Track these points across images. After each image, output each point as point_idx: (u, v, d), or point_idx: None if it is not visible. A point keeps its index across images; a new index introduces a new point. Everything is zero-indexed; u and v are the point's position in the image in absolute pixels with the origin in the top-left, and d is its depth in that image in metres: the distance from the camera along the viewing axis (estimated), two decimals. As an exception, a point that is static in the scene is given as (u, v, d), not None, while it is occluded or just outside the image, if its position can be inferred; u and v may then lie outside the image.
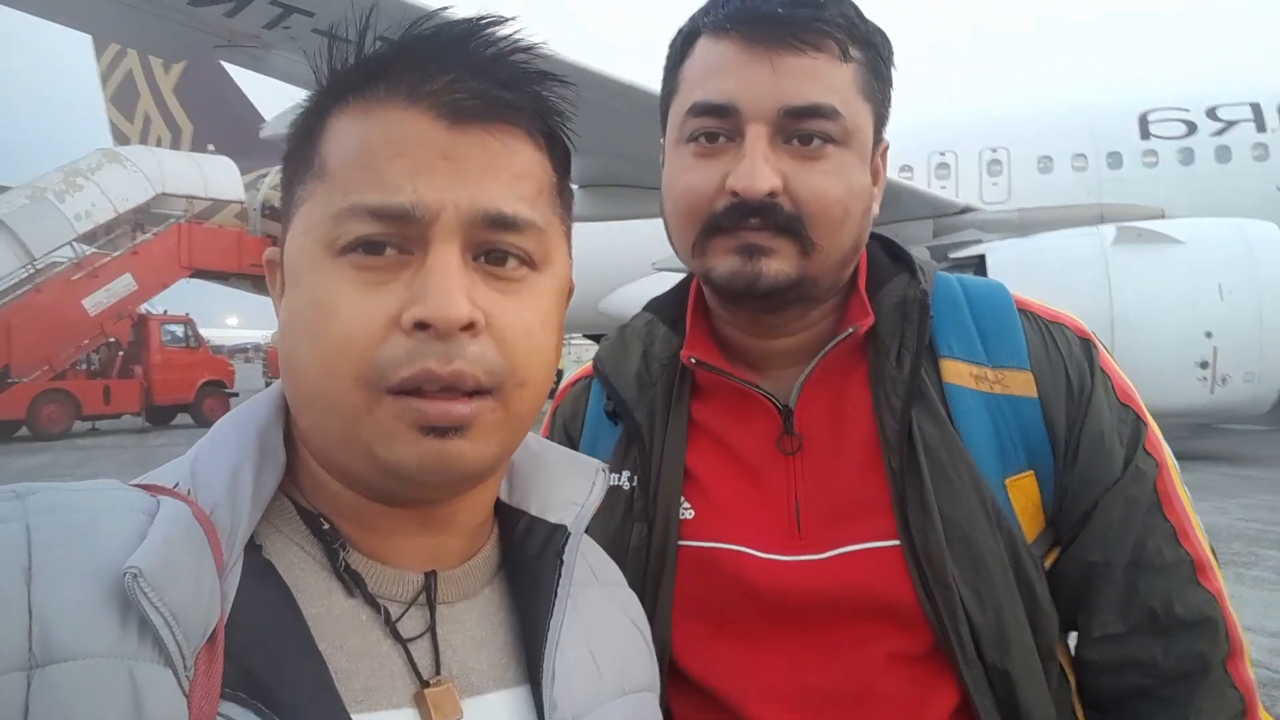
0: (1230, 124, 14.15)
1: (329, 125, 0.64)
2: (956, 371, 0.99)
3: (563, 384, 1.20)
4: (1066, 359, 0.99)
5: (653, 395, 1.06)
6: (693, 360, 1.03)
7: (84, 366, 19.06)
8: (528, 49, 0.66)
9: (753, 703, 0.94)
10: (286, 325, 0.64)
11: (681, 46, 1.00)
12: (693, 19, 1.00)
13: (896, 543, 0.93)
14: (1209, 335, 10.44)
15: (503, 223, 0.63)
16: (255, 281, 22.33)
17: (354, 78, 0.65)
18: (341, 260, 0.61)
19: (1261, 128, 13.98)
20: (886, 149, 1.04)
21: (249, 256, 20.99)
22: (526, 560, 0.73)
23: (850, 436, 0.99)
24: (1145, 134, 14.52)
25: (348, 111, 0.64)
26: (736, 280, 0.94)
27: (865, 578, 0.94)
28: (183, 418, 19.94)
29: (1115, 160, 14.51)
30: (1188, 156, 14.18)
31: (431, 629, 0.66)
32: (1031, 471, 0.97)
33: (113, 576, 0.52)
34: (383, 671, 0.63)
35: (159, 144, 23.92)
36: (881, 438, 0.96)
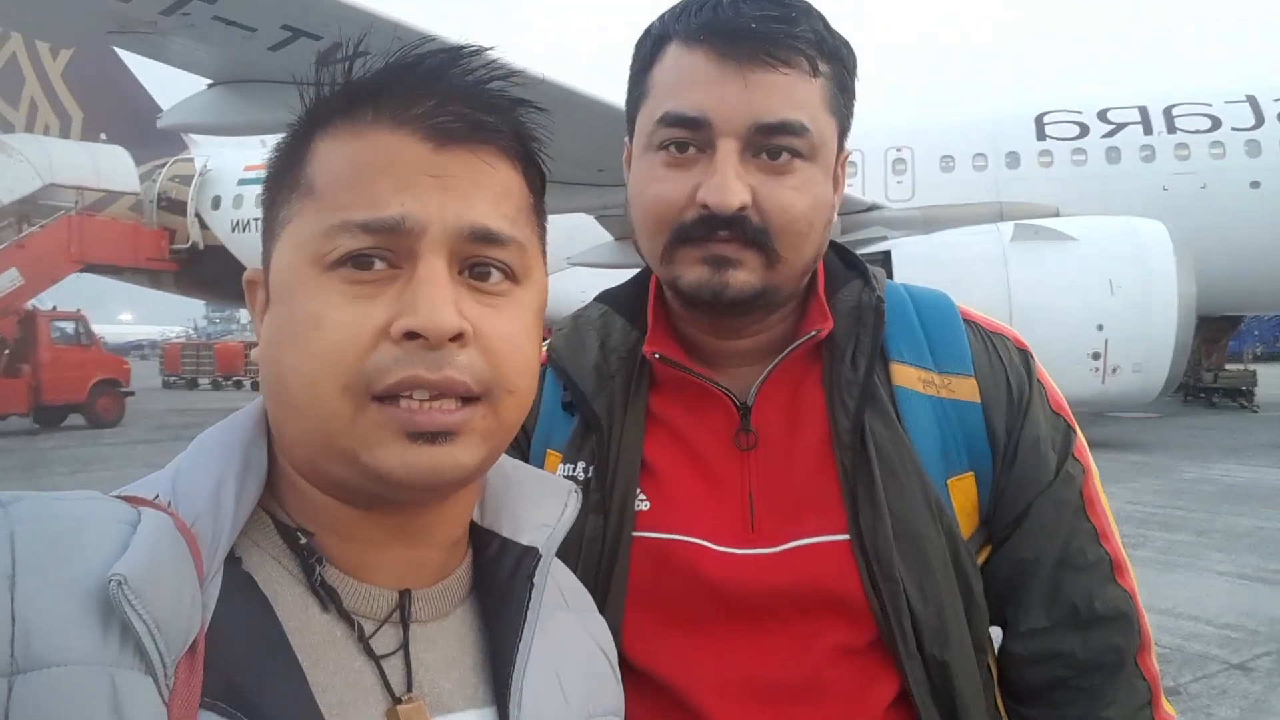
0: (1120, 126, 14.83)
1: (314, 148, 0.66)
2: (905, 375, 1.02)
3: None
4: (1008, 368, 1.04)
5: (611, 387, 1.06)
6: (656, 356, 1.03)
7: (-34, 365, 18.09)
8: (505, 76, 0.69)
9: (703, 694, 0.96)
10: (272, 339, 0.65)
11: (651, 50, 1.00)
12: (663, 22, 1.00)
13: (846, 537, 0.96)
14: (1100, 328, 10.93)
15: (488, 237, 0.65)
16: (151, 276, 21.54)
17: (339, 103, 0.66)
18: (331, 275, 0.62)
19: (1149, 130, 14.69)
20: (847, 158, 1.06)
21: (144, 250, 20.25)
22: (498, 582, 0.73)
23: (804, 434, 1.01)
24: (1041, 135, 15.10)
25: (334, 135, 0.66)
26: (703, 290, 0.96)
27: (815, 571, 0.96)
28: (74, 419, 19.06)
29: (1013, 160, 15.04)
30: (1081, 157, 14.78)
31: (404, 647, 0.67)
32: (972, 473, 1.01)
33: (96, 584, 0.53)
34: (356, 687, 0.64)
35: (47, 132, 22.75)
36: (834, 436, 0.99)
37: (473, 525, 0.77)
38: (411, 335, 0.60)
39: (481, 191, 0.65)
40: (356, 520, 0.67)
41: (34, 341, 18.58)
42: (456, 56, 0.68)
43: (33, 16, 9.35)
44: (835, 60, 0.98)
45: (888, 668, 0.95)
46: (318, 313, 0.61)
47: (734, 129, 0.93)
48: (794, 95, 0.93)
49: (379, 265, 0.62)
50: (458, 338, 0.61)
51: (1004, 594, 1.03)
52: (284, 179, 0.67)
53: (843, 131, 1.02)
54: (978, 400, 1.02)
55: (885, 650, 0.95)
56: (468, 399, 0.63)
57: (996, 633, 1.05)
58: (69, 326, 19.62)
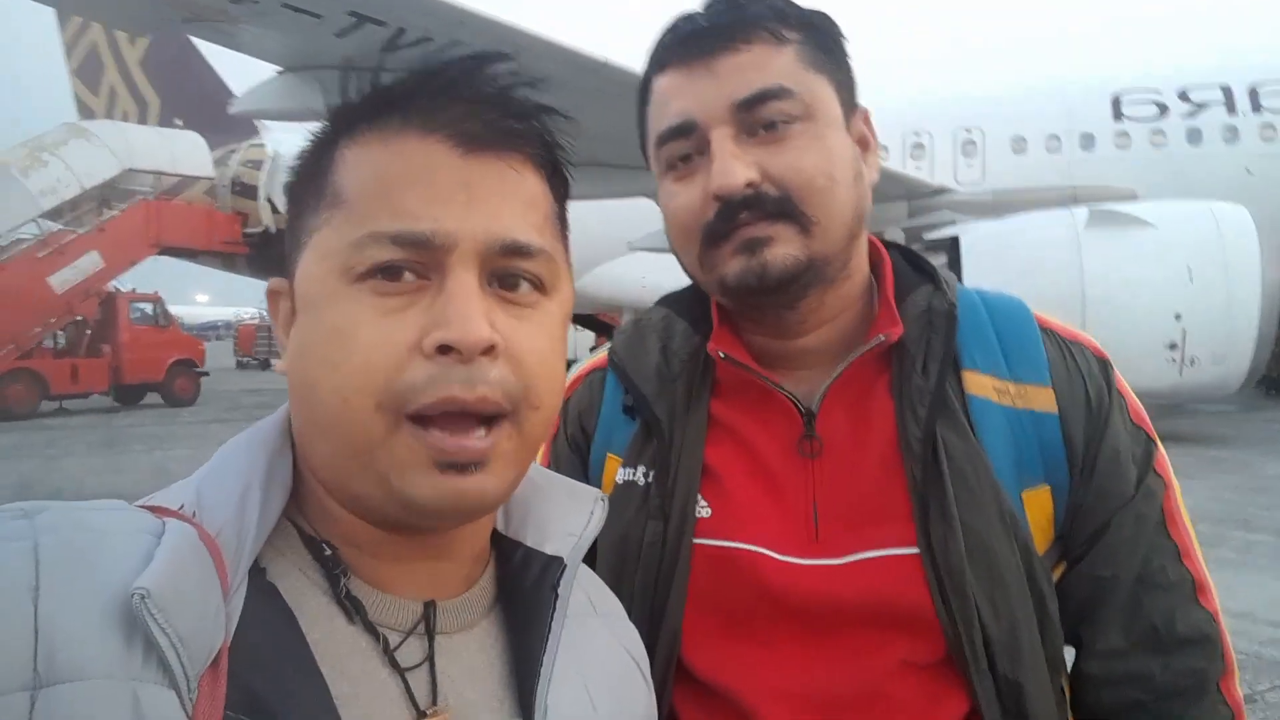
0: (1201, 106, 14.25)
1: (341, 155, 0.65)
2: (979, 384, 0.99)
3: (573, 374, 1.18)
4: (1086, 377, 1.00)
5: (673, 391, 1.05)
6: (721, 355, 1.02)
7: (50, 345, 18.80)
8: (530, 83, 0.69)
9: (762, 703, 0.94)
10: (301, 352, 0.64)
11: (642, 95, 1.04)
12: (645, 70, 1.04)
13: (915, 550, 0.93)
14: (1178, 317, 10.58)
15: (516, 250, 0.64)
16: (224, 259, 22.06)
17: (366, 110, 0.66)
18: (359, 287, 0.61)
19: (1232, 110, 14.10)
20: (868, 115, 1.04)
21: (218, 233, 20.74)
22: (522, 592, 0.73)
23: (871, 443, 0.99)
24: (1118, 115, 14.59)
25: (361, 142, 0.65)
26: (747, 277, 0.95)
27: (883, 584, 0.94)
28: (152, 397, 19.71)
29: (1088, 141, 14.58)
30: (1160, 138, 14.28)
31: (430, 659, 0.66)
32: (1047, 486, 0.98)
33: (120, 597, 0.53)
34: (381, 699, 0.63)
35: (125, 118, 23.44)
36: (903, 446, 0.96)
37: (497, 533, 0.76)
38: (444, 349, 0.59)
39: (509, 202, 0.65)
40: (380, 538, 0.66)
41: (114, 322, 19.33)
42: (482, 63, 0.68)
43: (111, 7, 9.62)
44: (804, 26, 0.98)
45: (956, 686, 0.93)
46: (348, 328, 0.61)
47: (718, 117, 0.95)
48: (765, 65, 0.95)
49: (408, 276, 0.62)
50: (489, 350, 0.61)
51: (1080, 612, 0.99)
52: (309, 187, 0.67)
53: (841, 87, 1.00)
54: (1054, 411, 0.98)
55: (954, 668, 0.93)
56: (495, 416, 0.62)
57: (1070, 652, 1.02)
58: (147, 308, 20.34)
